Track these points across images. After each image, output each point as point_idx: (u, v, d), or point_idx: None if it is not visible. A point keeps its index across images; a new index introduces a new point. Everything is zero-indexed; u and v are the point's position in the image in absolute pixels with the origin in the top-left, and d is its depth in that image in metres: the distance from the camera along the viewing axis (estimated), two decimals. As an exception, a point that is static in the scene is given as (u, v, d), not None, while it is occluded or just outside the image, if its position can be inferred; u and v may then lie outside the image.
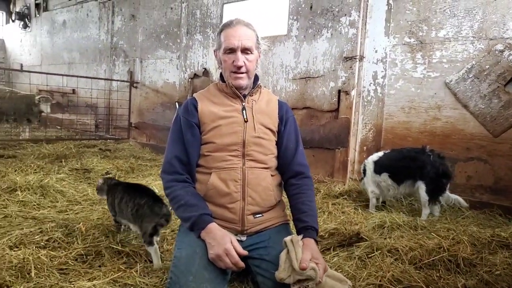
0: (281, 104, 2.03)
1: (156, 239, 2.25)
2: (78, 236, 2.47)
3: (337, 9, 4.60)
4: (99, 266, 2.15)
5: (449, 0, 3.90)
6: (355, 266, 2.29)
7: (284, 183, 2.01)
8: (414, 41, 4.13)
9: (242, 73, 1.86)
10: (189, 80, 6.41)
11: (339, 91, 4.61)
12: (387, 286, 2.03)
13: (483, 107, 3.75)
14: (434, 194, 3.32)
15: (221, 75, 1.98)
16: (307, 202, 1.88)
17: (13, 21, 11.11)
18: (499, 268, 2.23)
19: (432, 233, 2.74)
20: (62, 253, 2.23)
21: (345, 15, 4.53)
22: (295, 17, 4.99)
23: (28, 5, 10.57)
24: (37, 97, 6.72)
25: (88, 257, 2.24)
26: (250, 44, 1.84)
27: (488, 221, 3.38)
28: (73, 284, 1.87)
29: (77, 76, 7.73)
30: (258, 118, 1.91)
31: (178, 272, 1.64)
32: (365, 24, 4.44)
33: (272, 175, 1.93)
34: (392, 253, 2.42)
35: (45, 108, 6.73)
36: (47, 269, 2.01)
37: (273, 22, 5.24)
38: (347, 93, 4.54)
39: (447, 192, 3.41)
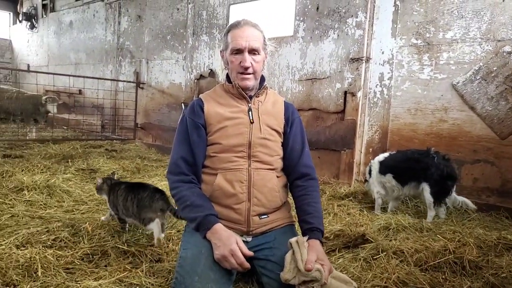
0: (287, 105, 2.03)
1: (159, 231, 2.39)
2: (84, 236, 2.48)
3: (343, 10, 4.59)
4: (105, 266, 2.16)
5: (457, 1, 3.88)
6: (360, 267, 2.28)
7: (290, 184, 2.01)
8: (421, 43, 4.11)
9: (249, 74, 1.86)
10: (195, 81, 6.43)
11: (345, 93, 4.60)
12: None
13: (490, 109, 3.73)
14: (439, 196, 3.29)
15: (227, 76, 1.98)
16: (312, 204, 1.88)
17: (20, 21, 11.21)
18: (505, 270, 2.21)
19: (437, 235, 2.72)
20: (68, 252, 2.25)
21: (352, 16, 4.52)
22: (301, 18, 4.99)
23: (35, 5, 10.66)
24: (43, 98, 6.77)
25: (94, 256, 2.25)
26: (258, 45, 1.84)
27: (495, 223, 3.36)
28: (79, 283, 1.88)
29: (84, 77, 7.78)
30: (264, 119, 1.91)
31: (183, 272, 1.65)
32: (372, 25, 4.43)
33: (277, 176, 1.93)
34: (398, 255, 2.41)
35: (52, 108, 6.79)
36: (53, 269, 2.02)
37: (279, 23, 5.24)
38: (353, 94, 4.53)
39: (454, 194, 3.38)
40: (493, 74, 3.70)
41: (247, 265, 1.66)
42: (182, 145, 1.89)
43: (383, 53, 4.39)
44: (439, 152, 3.37)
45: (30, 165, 4.42)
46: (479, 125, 3.80)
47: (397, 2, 4.25)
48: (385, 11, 4.34)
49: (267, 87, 2.02)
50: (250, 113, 1.90)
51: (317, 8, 4.82)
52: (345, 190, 4.18)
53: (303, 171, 1.95)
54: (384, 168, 3.52)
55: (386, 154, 3.62)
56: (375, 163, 3.61)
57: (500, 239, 2.67)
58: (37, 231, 2.53)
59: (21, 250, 2.21)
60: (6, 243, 2.29)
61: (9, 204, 3.10)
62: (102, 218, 2.81)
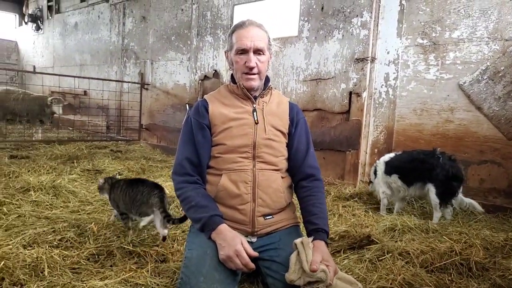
0: (292, 106, 2.03)
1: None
2: (90, 236, 2.49)
3: (348, 10, 4.58)
4: (111, 266, 2.17)
5: (463, 0, 3.85)
6: (365, 269, 2.27)
7: (295, 185, 2.00)
8: (427, 42, 4.09)
9: (254, 74, 1.86)
10: (199, 81, 6.44)
11: (350, 93, 4.59)
12: (398, 289, 2.01)
13: (497, 109, 3.70)
14: (445, 197, 3.27)
15: (232, 76, 1.99)
16: (317, 205, 1.87)
17: (26, 23, 11.30)
18: (513, 272, 2.20)
19: (444, 237, 2.70)
20: (74, 252, 2.26)
21: (357, 16, 4.51)
22: (306, 18, 4.99)
23: (40, 7, 10.74)
24: (49, 99, 6.82)
25: (100, 257, 2.26)
26: (262, 45, 1.84)
27: (502, 224, 3.33)
28: (85, 283, 1.89)
29: (89, 78, 7.81)
30: (268, 120, 1.91)
31: (188, 273, 1.65)
32: (377, 25, 4.42)
33: (282, 177, 1.92)
34: (403, 256, 2.39)
35: (57, 109, 6.83)
36: (59, 268, 2.03)
37: (283, 24, 5.23)
38: (358, 95, 4.52)
39: (461, 195, 3.36)
40: (500, 74, 3.67)
41: (252, 265, 1.66)
42: (187, 146, 1.89)
43: (388, 53, 4.37)
44: (445, 152, 3.35)
45: (36, 166, 4.45)
46: (486, 125, 3.77)
47: (403, 2, 4.23)
48: (391, 11, 4.33)
49: (271, 87, 2.02)
50: (254, 113, 1.90)
51: (322, 8, 4.81)
52: (350, 191, 4.16)
53: (308, 172, 1.95)
54: (390, 168, 3.51)
55: (392, 155, 3.61)
56: (381, 163, 3.60)
57: (507, 240, 2.65)
58: (44, 231, 2.55)
59: (28, 250, 2.22)
60: (13, 243, 2.31)
61: (16, 204, 3.12)
62: (112, 217, 2.85)
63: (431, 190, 3.28)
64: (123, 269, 2.10)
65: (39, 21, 10.78)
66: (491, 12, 3.71)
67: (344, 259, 2.43)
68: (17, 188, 3.48)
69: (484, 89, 3.75)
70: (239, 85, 1.91)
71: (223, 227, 1.74)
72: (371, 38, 4.42)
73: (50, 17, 10.38)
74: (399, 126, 4.33)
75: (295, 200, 2.02)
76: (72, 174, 4.28)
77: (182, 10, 6.73)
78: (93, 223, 2.65)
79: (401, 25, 4.26)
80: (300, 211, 1.94)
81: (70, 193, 3.55)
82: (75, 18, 9.42)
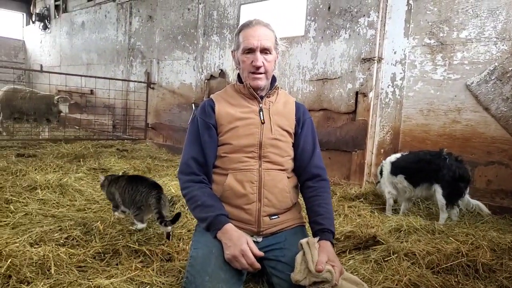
0: (298, 106, 2.02)
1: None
2: (96, 235, 2.51)
3: (355, 10, 4.56)
4: (117, 265, 2.18)
5: (471, 0, 3.82)
6: (371, 269, 2.26)
7: (301, 185, 2.00)
8: (434, 42, 4.06)
9: (261, 73, 1.85)
10: (206, 81, 6.45)
11: (356, 93, 4.57)
12: (403, 290, 2.00)
13: (505, 110, 3.67)
14: (452, 198, 3.25)
15: (238, 76, 1.98)
16: (323, 205, 1.86)
17: (33, 22, 11.38)
18: (520, 274, 2.18)
19: (450, 238, 2.68)
20: (80, 251, 2.27)
21: (364, 15, 4.49)
22: (312, 18, 4.97)
23: (47, 6, 10.81)
24: (55, 97, 6.87)
25: (106, 255, 2.27)
26: (269, 44, 1.84)
27: (509, 226, 3.30)
28: (91, 281, 1.90)
29: (95, 77, 7.86)
30: (275, 120, 1.90)
31: (194, 272, 1.65)
32: (384, 25, 4.40)
33: (288, 177, 1.92)
34: (409, 257, 2.38)
35: (64, 108, 6.88)
36: (66, 266, 2.05)
37: (290, 23, 5.23)
38: (364, 95, 4.50)
39: (467, 196, 3.33)
40: (508, 74, 3.63)
41: (258, 265, 1.66)
42: (193, 145, 1.90)
43: (395, 53, 4.35)
44: (451, 153, 3.33)
45: (43, 164, 4.49)
46: (493, 126, 3.74)
47: (410, 1, 4.21)
48: (398, 11, 4.30)
49: (278, 87, 2.01)
50: (261, 113, 1.89)
51: (329, 8, 4.80)
52: (356, 191, 4.15)
53: (314, 172, 1.94)
54: (396, 169, 3.50)
55: (398, 155, 3.60)
56: (387, 163, 3.59)
57: (515, 242, 2.62)
58: (50, 229, 2.56)
59: (34, 248, 2.24)
60: (20, 241, 2.33)
61: (23, 202, 3.15)
62: (116, 214, 2.91)
63: (438, 191, 3.26)
64: (129, 267, 2.11)
65: (46, 20, 10.86)
66: (500, 12, 3.67)
67: (349, 259, 2.43)
68: (24, 186, 3.51)
69: (492, 89, 3.72)
70: (245, 84, 1.90)
71: (229, 226, 1.74)
72: (378, 38, 4.40)
73: (57, 16, 10.45)
74: (405, 126, 4.31)
75: (300, 200, 2.02)
76: (78, 173, 4.30)
77: (189, 9, 6.74)
78: (99, 222, 2.67)
79: (408, 25, 4.24)
80: (306, 211, 1.94)
81: (77, 192, 3.58)
82: (82, 18, 9.48)
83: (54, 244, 2.31)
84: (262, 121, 1.87)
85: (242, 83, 1.94)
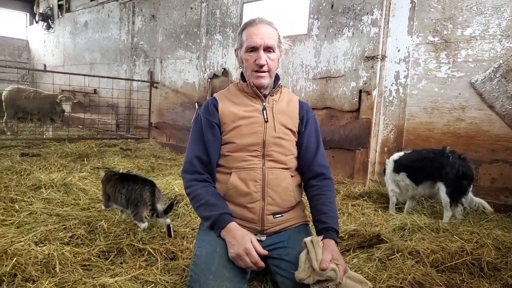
0: (301, 105, 2.02)
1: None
2: (100, 233, 2.52)
3: (359, 8, 4.55)
4: (121, 263, 2.19)
5: (475, -3, 3.80)
6: (375, 268, 2.26)
7: (304, 184, 1.99)
8: (438, 40, 4.04)
9: (264, 72, 1.85)
10: (209, 80, 6.45)
11: (360, 91, 4.56)
12: (408, 289, 2.00)
13: (510, 107, 3.65)
14: (455, 196, 3.24)
15: (242, 74, 1.98)
16: (327, 203, 1.86)
17: (36, 22, 11.42)
18: (525, 273, 2.17)
19: (454, 236, 2.67)
20: (85, 249, 2.28)
21: (367, 13, 4.47)
22: (315, 16, 4.96)
23: (51, 6, 10.84)
24: (58, 97, 6.89)
25: (110, 254, 2.28)
26: (273, 42, 1.83)
27: (514, 224, 3.29)
28: (95, 280, 1.90)
29: (99, 76, 7.88)
30: (278, 118, 1.90)
31: (198, 270, 1.65)
32: (388, 23, 4.38)
33: (292, 176, 1.92)
34: (413, 255, 2.38)
35: (67, 107, 6.90)
36: (71, 265, 2.05)
37: (293, 22, 5.22)
38: (368, 93, 4.49)
39: (471, 194, 3.33)
40: (512, 72, 3.61)
41: (262, 264, 1.66)
42: (196, 144, 1.90)
43: (399, 51, 4.33)
44: (455, 151, 3.32)
45: (47, 164, 4.51)
46: (498, 124, 3.72)
47: (414, -1, 4.19)
48: (401, 8, 4.28)
49: (281, 85, 2.01)
50: (264, 112, 1.89)
51: (332, 6, 4.78)
52: (359, 190, 4.14)
53: (318, 171, 1.94)
54: (398, 166, 3.50)
55: (401, 153, 3.60)
56: (390, 161, 3.60)
57: (520, 240, 2.61)
58: (55, 228, 2.58)
59: (39, 246, 2.25)
60: (25, 239, 2.34)
61: (27, 201, 3.16)
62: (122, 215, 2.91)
63: (441, 189, 3.25)
64: (133, 266, 2.12)
65: (49, 20, 10.89)
66: (504, 9, 3.65)
67: (353, 258, 2.42)
68: (28, 185, 3.53)
69: (497, 87, 3.70)
70: (249, 83, 1.90)
71: (233, 225, 1.74)
72: (382, 36, 4.39)
73: (61, 16, 10.47)
74: (409, 124, 4.29)
75: (304, 199, 2.02)
76: (82, 172, 4.32)
77: (191, 8, 6.75)
78: (103, 221, 2.68)
79: (412, 23, 4.22)
80: (309, 210, 1.94)
81: (81, 191, 3.59)
82: (85, 17, 9.50)
83: (58, 243, 2.32)
84: (266, 120, 1.87)
85: (245, 82, 1.93)
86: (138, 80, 7.80)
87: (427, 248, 2.42)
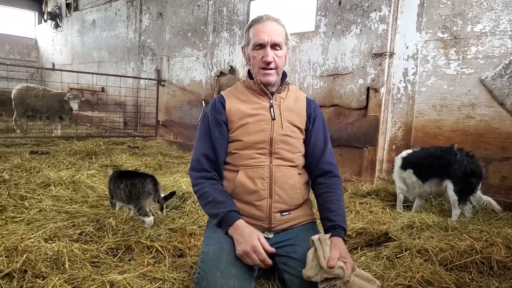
0: (309, 102, 2.01)
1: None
2: (108, 231, 2.54)
3: (366, 4, 4.51)
4: (129, 260, 2.20)
5: (485, -7, 3.75)
6: (383, 266, 2.25)
7: (312, 181, 1.99)
8: (447, 36, 4.00)
9: (271, 69, 1.84)
10: (215, 78, 6.45)
11: (368, 89, 4.53)
12: (416, 287, 1.99)
13: (520, 104, 3.60)
14: (463, 194, 3.21)
15: (248, 72, 1.97)
16: (335, 201, 1.85)
17: (45, 21, 11.50)
18: (536, 272, 2.14)
19: (463, 235, 2.65)
20: (93, 246, 2.30)
21: (375, 10, 4.44)
22: (323, 13, 4.94)
23: (59, 5, 10.92)
24: (66, 95, 6.95)
25: (119, 251, 2.29)
26: (280, 39, 1.83)
27: (524, 223, 3.25)
28: (104, 276, 1.92)
29: (106, 75, 7.92)
30: (285, 116, 1.89)
31: (205, 268, 1.66)
32: (396, 20, 4.34)
33: (299, 173, 1.91)
34: (422, 253, 2.36)
35: (74, 105, 6.95)
36: (80, 262, 2.07)
37: (300, 19, 5.19)
38: (376, 90, 4.46)
39: (479, 192, 3.29)
40: (523, 69, 3.56)
41: (269, 261, 1.66)
42: (204, 142, 1.90)
43: (407, 47, 4.29)
44: (463, 148, 3.29)
45: (56, 161, 4.55)
46: (508, 121, 3.67)
47: (422, -5, 4.14)
48: (410, 4, 4.24)
49: (289, 83, 2.00)
50: (271, 109, 1.89)
51: (339, 3, 4.75)
52: (367, 188, 4.13)
53: (325, 169, 1.93)
54: (405, 163, 3.50)
55: (410, 151, 3.59)
56: (398, 158, 3.59)
57: (530, 239, 2.58)
58: (64, 225, 2.60)
59: (49, 243, 2.27)
60: (35, 236, 2.37)
61: (37, 199, 3.19)
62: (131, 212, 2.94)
63: (449, 186, 3.23)
64: (141, 263, 2.13)
65: (57, 19, 10.96)
66: (515, 5, 3.60)
67: (361, 256, 2.41)
68: (38, 183, 3.56)
69: (507, 84, 3.65)
70: (256, 80, 1.89)
71: (240, 222, 1.74)
72: (390, 33, 4.35)
73: (69, 15, 10.55)
74: (417, 122, 4.25)
75: (312, 197, 2.01)
76: (90, 170, 4.35)
77: (199, 6, 6.75)
78: (111, 218, 2.70)
79: (421, 19, 4.17)
80: (317, 208, 1.93)
81: (89, 188, 3.62)
82: (93, 16, 9.55)
83: (68, 240, 2.35)
84: (273, 117, 1.87)
85: (252, 79, 1.93)
86: (146, 78, 7.82)
87: (435, 246, 2.40)
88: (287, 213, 1.86)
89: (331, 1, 4.83)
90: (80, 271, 1.97)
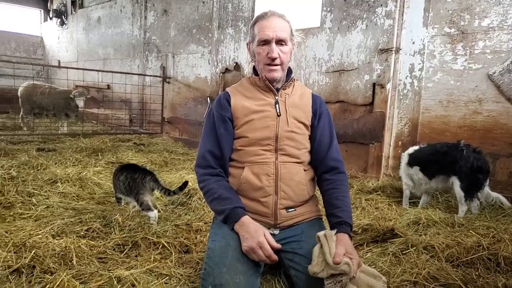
0: (315, 98, 2.00)
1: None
2: (115, 227, 2.55)
3: (372, 0, 4.48)
4: (136, 256, 2.22)
5: (492, -13, 3.71)
6: (389, 262, 2.24)
7: (318, 178, 1.98)
8: (454, 31, 3.96)
9: (277, 65, 1.83)
10: (221, 74, 6.45)
11: (374, 84, 4.50)
12: (422, 283, 1.98)
13: (528, 100, 3.56)
14: (470, 190, 3.19)
15: (254, 68, 1.97)
16: (341, 198, 1.84)
17: (50, 18, 11.56)
18: (544, 268, 2.13)
19: (470, 231, 2.63)
20: (100, 242, 2.32)
21: (381, 5, 4.40)
22: (328, 9, 4.91)
23: (64, 2, 10.96)
24: (72, 92, 6.99)
25: (125, 247, 2.31)
26: (285, 35, 1.82)
27: (532, 219, 3.22)
28: (111, 272, 1.94)
29: (112, 72, 7.94)
30: (291, 112, 1.89)
31: (212, 264, 1.66)
32: (402, 15, 4.30)
33: (305, 170, 1.91)
34: (428, 250, 2.36)
35: (80, 102, 6.99)
36: (87, 257, 2.09)
37: (305, 14, 5.17)
38: (382, 86, 4.43)
39: (487, 189, 3.27)
40: (531, 63, 3.52)
41: (275, 257, 1.66)
42: (209, 139, 1.90)
43: (413, 43, 4.26)
44: (469, 145, 3.26)
45: (62, 158, 4.58)
46: (516, 117, 3.64)
47: (429, -10, 4.10)
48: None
49: (294, 79, 1.99)
50: (277, 106, 1.88)
51: (345, -2, 4.72)
52: (373, 184, 4.11)
53: (331, 165, 1.92)
54: (412, 160, 3.48)
55: (416, 147, 3.57)
56: (405, 155, 3.58)
57: (538, 235, 2.56)
58: (71, 221, 2.63)
59: (57, 239, 2.30)
60: (43, 232, 2.39)
61: (44, 195, 3.22)
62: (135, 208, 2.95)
63: (456, 183, 3.20)
64: (148, 259, 2.15)
65: (63, 16, 11.01)
66: (523, -1, 3.55)
67: (367, 252, 2.41)
68: (45, 180, 3.59)
69: (515, 79, 3.61)
70: (261, 77, 1.89)
71: (246, 219, 1.74)
72: (396, 28, 4.32)
73: (74, 12, 10.58)
74: (424, 118, 4.23)
75: (317, 193, 2.01)
76: (97, 167, 4.38)
77: (203, 2, 6.74)
78: (118, 214, 2.71)
79: (427, 14, 4.14)
80: (323, 204, 1.93)
81: (96, 185, 3.64)
82: (98, 13, 9.57)
83: (75, 236, 2.36)
84: (278, 114, 1.86)
85: (257, 76, 1.92)
86: (151, 75, 7.84)
87: (442, 242, 2.39)
88: (293, 209, 1.86)
89: (337, -3, 4.80)
90: (87, 267, 1.99)
